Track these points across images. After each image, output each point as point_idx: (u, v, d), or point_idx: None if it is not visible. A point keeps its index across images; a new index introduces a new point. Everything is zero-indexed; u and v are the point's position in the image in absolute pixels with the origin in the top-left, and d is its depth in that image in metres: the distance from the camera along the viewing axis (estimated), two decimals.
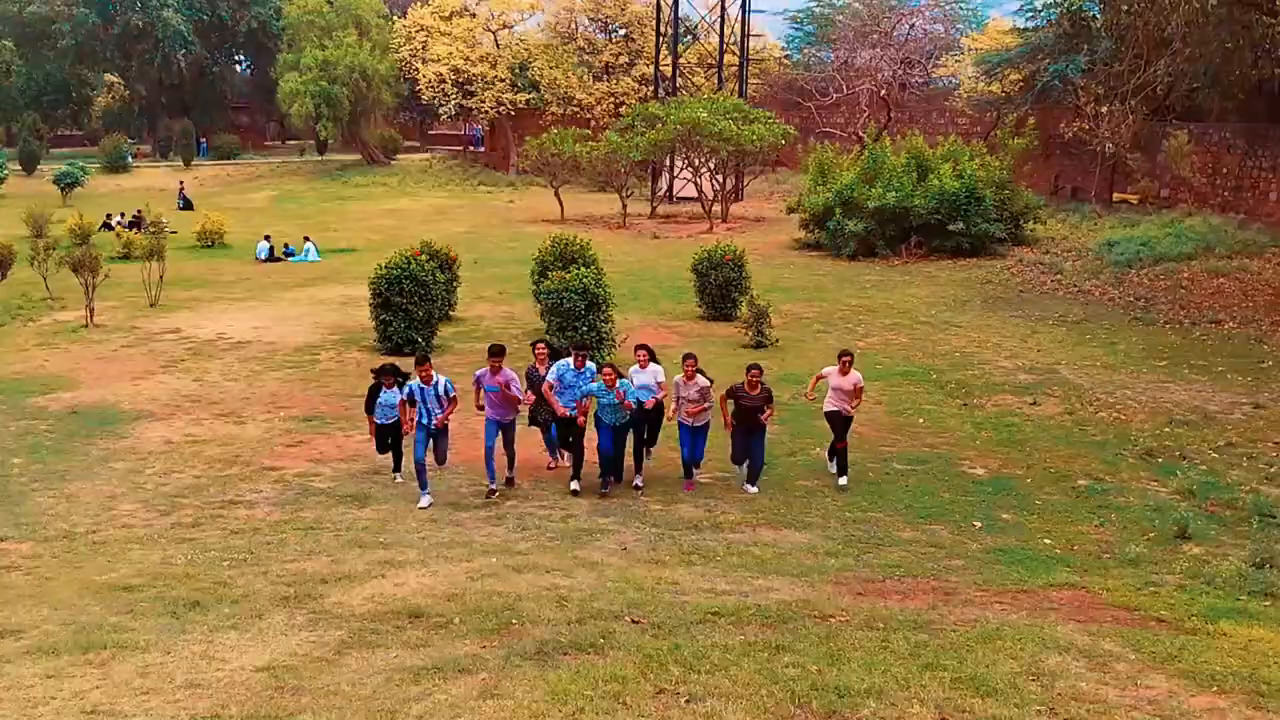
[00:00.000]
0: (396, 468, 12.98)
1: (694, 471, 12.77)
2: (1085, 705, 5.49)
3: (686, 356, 12.55)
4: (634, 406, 12.24)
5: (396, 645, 6.43)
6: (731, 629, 6.94)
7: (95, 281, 22.26)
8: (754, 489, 12.42)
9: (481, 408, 12.38)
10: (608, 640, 6.59)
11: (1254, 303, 23.23)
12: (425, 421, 11.81)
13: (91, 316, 22.06)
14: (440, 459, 12.29)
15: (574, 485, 12.28)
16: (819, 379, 13.14)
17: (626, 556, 8.85)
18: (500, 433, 12.28)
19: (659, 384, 12.66)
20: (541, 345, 13.32)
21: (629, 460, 12.81)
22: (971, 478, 12.61)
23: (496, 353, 12.19)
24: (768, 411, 12.31)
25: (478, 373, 12.27)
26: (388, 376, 12.70)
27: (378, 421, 12.86)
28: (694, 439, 12.61)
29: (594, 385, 12.29)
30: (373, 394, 12.85)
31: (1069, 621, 7.24)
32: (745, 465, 12.66)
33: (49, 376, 17.58)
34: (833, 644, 6.55)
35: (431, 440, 11.95)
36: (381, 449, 13.06)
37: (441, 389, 11.82)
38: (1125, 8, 23.68)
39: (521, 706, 5.38)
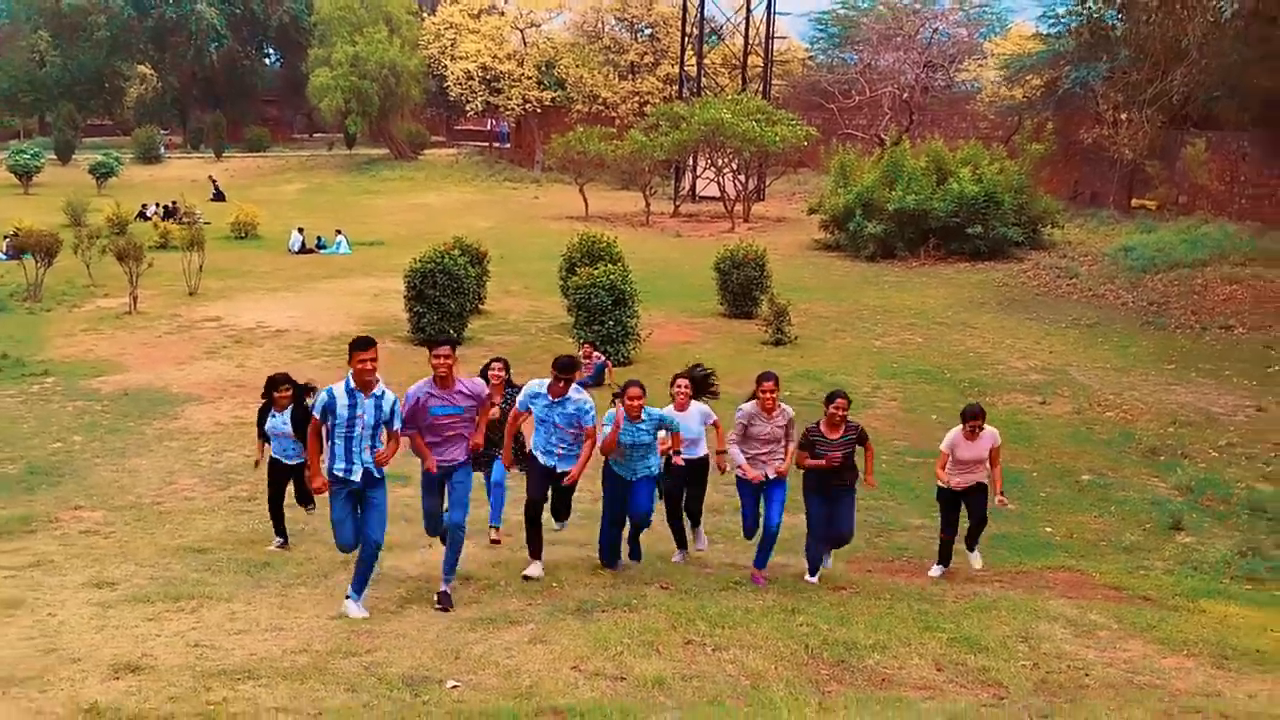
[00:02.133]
0: (279, 530, 9.30)
1: (768, 554, 8.80)
2: (1066, 662, 6.16)
3: (764, 377, 8.64)
4: (676, 453, 8.75)
5: (445, 617, 7.16)
6: (751, 595, 7.69)
7: (139, 270, 23.06)
8: (825, 571, 8.99)
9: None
10: (640, 601, 7.32)
11: (1265, 309, 23.74)
12: (343, 468, 7.16)
13: (135, 304, 22.86)
14: (370, 539, 7.26)
15: (533, 570, 8.16)
16: (947, 458, 9.36)
17: (652, 535, 9.51)
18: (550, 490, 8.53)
19: (713, 423, 9.04)
20: (498, 366, 9.64)
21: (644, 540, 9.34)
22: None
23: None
24: (868, 465, 8.99)
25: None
26: (281, 390, 9.25)
27: (275, 456, 9.36)
28: (770, 499, 8.74)
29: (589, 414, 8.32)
30: (262, 416, 9.42)
31: (1061, 597, 7.92)
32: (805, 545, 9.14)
33: (98, 360, 18.38)
34: (843, 609, 7.27)
35: (358, 505, 7.26)
36: (275, 505, 9.30)
37: (387, 409, 7.27)
38: (1144, 18, 24.17)
39: (568, 650, 6.10)
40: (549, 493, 8.44)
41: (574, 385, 8.29)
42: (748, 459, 8.64)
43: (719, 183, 38.84)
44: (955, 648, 6.30)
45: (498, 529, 9.53)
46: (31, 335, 20.24)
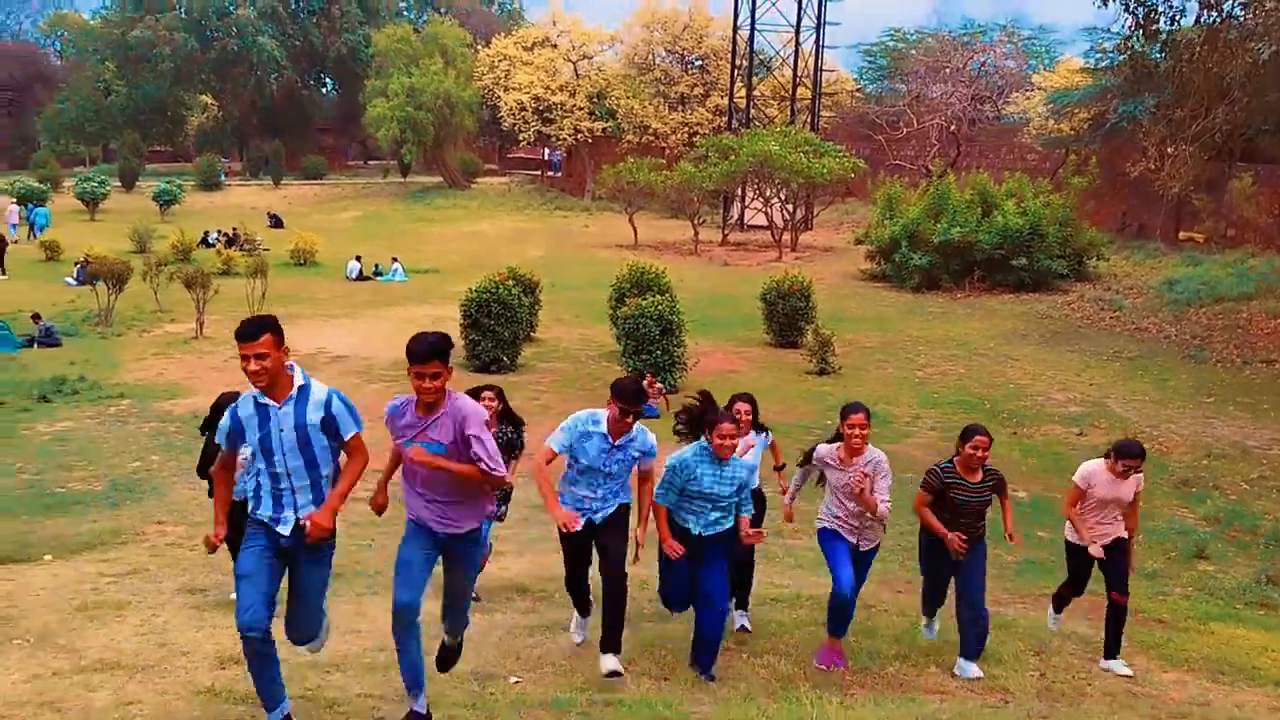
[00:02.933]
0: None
1: (843, 630, 7.07)
2: (1072, 674, 6.68)
3: (851, 410, 7.06)
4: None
5: (510, 610, 7.84)
6: (786, 610, 8.23)
7: (206, 297, 24.04)
8: (973, 671, 6.90)
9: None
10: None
11: None
12: (266, 515, 5.10)
13: (201, 329, 23.82)
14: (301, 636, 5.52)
15: (611, 663, 6.44)
16: (1081, 495, 7.73)
17: None
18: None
19: (771, 445, 7.93)
20: (490, 395, 8.13)
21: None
22: (1014, 499, 13.68)
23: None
24: (1006, 518, 7.40)
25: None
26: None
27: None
28: (857, 569, 7.15)
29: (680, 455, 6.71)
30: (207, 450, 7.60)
31: (1079, 618, 8.39)
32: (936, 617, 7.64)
33: (169, 384, 19.27)
34: (869, 624, 7.81)
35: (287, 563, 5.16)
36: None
37: (319, 410, 5.03)
38: (1187, 56, 24.51)
39: (621, 654, 6.69)
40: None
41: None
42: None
43: (767, 213, 39.45)
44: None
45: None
46: (105, 359, 21.22)
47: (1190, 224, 36.80)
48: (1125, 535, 7.56)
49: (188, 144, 72.31)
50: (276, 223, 45.89)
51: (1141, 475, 7.73)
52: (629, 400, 6.26)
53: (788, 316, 23.59)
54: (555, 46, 56.10)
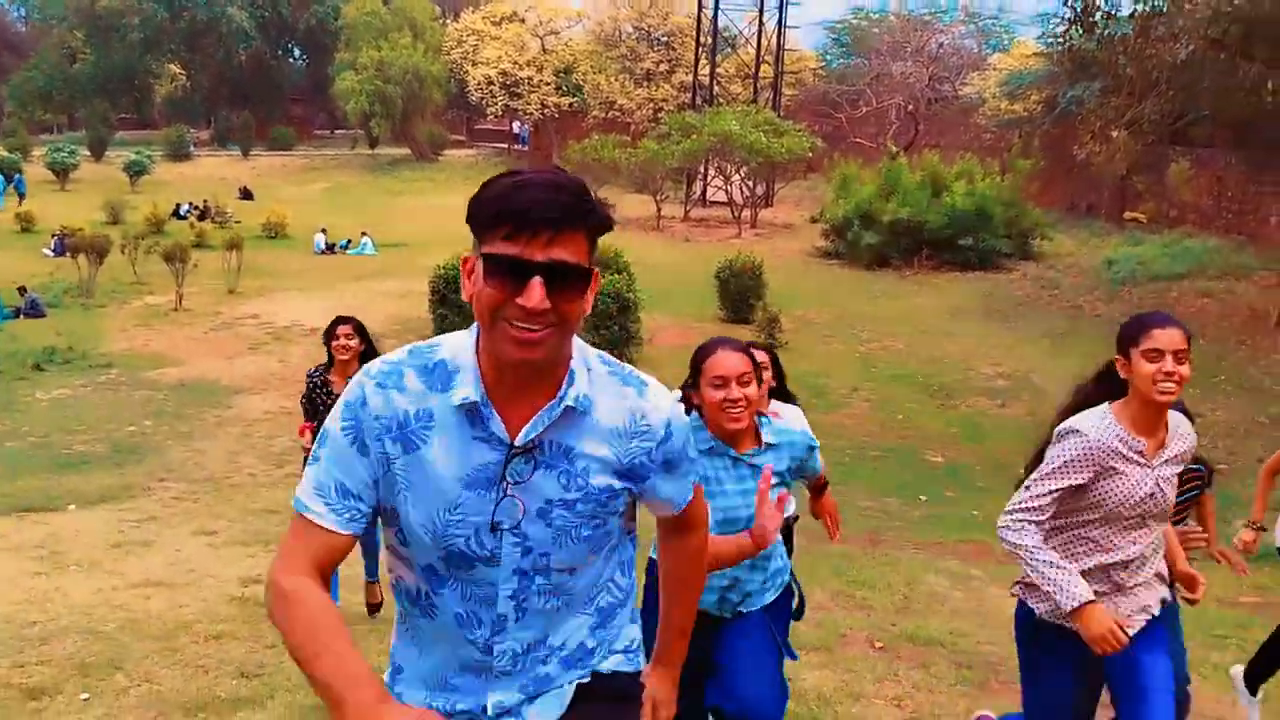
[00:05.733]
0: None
1: None
2: (932, 597, 8.02)
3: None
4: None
5: None
6: None
7: (185, 270, 25.09)
8: None
9: None
10: None
11: (1229, 323, 25.46)
12: None
13: (180, 301, 24.88)
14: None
15: None
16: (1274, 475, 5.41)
17: None
18: None
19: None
20: (346, 330, 6.59)
21: None
22: (931, 464, 15.18)
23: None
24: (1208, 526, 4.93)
25: None
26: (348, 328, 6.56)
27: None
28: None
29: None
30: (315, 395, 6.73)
31: (956, 559, 9.80)
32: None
33: (153, 354, 20.41)
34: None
35: None
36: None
37: None
38: (1121, 49, 25.92)
39: None
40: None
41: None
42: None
43: (727, 190, 40.67)
44: (850, 584, 8.10)
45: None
46: (89, 330, 22.28)
47: (1135, 204, 38.29)
48: None
49: (154, 113, 72.50)
50: (246, 195, 46.63)
51: None
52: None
53: (739, 294, 24.91)
54: (523, 22, 56.93)
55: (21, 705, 4.80)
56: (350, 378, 4.81)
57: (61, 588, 7.00)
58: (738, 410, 3.48)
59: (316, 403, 6.64)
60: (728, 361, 3.49)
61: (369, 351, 6.49)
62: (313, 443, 5.10)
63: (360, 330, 6.59)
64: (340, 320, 6.69)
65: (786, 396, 5.29)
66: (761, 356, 4.68)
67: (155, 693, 5.06)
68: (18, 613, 6.34)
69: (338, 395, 5.19)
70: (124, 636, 5.89)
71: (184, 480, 12.07)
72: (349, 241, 35.02)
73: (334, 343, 6.55)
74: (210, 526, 9.28)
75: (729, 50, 52.36)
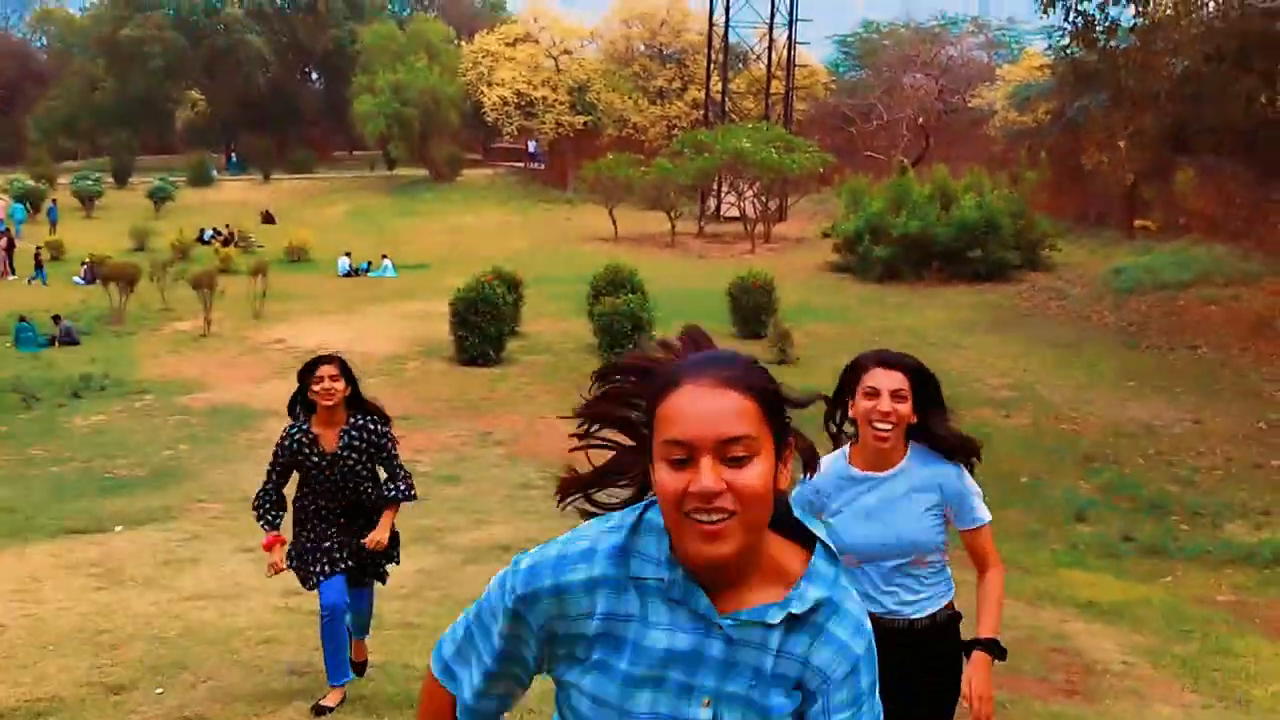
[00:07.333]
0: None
1: None
2: None
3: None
4: None
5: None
6: None
7: (212, 296, 25.83)
8: None
9: None
10: None
11: (1234, 329, 25.90)
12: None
13: (209, 327, 25.61)
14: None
15: None
16: None
17: None
18: None
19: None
20: (329, 369, 5.54)
21: None
22: None
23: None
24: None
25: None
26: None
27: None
28: None
29: None
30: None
31: (958, 569, 10.35)
32: None
33: (185, 379, 21.13)
34: None
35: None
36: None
37: None
38: (1122, 63, 26.48)
39: None
40: None
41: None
42: None
43: (740, 206, 41.28)
44: None
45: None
46: (122, 357, 23.02)
47: (1145, 213, 38.67)
48: None
49: (177, 140, 73.60)
50: (268, 219, 47.46)
51: None
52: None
53: (751, 310, 25.47)
54: (537, 42, 57.74)
55: (105, 699, 5.48)
56: (338, 427, 5.39)
57: (122, 600, 7.67)
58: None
59: (306, 466, 5.60)
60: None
61: (355, 396, 5.59)
62: (283, 559, 5.61)
63: (345, 371, 5.53)
64: (322, 360, 5.57)
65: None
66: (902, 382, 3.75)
67: (219, 688, 5.74)
68: (87, 623, 7.01)
69: (328, 451, 5.33)
70: (185, 642, 6.56)
71: (222, 500, 12.73)
72: (369, 264, 35.78)
73: (316, 386, 5.42)
74: (250, 544, 9.90)
75: (741, 66, 53.05)
